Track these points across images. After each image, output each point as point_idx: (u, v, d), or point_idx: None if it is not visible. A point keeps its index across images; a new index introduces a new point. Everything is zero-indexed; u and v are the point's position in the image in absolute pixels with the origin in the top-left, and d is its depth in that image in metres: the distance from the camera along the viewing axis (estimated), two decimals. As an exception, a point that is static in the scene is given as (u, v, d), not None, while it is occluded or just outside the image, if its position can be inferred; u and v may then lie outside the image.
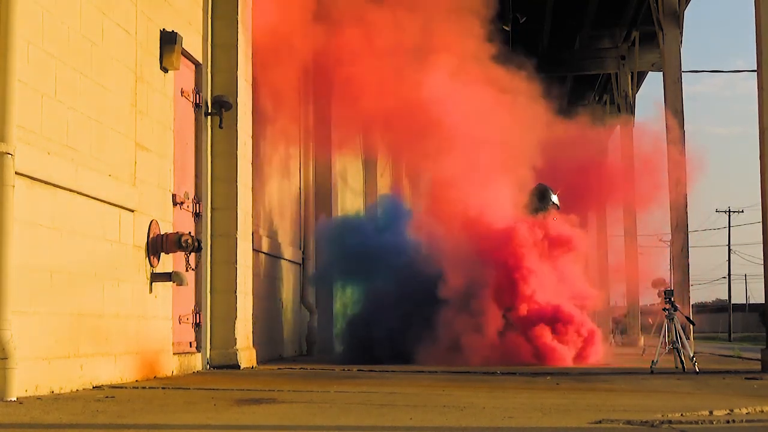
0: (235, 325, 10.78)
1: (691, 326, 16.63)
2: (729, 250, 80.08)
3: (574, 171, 20.57)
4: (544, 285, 14.05)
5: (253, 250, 11.69)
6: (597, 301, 15.62)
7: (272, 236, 14.55)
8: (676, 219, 18.74)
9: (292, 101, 14.95)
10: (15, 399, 6.44)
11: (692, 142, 20.96)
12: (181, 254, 9.76)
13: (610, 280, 29.90)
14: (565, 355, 13.43)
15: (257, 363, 11.45)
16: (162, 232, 9.29)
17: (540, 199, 15.71)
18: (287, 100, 14.47)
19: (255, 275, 11.80)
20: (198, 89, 10.75)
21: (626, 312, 27.31)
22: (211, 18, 11.02)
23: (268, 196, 14.47)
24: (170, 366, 9.49)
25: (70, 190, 7.45)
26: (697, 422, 5.86)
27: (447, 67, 14.20)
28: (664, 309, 11.96)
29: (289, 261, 15.63)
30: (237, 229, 10.91)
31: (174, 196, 9.84)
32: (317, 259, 16.88)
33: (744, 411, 6.44)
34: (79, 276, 7.63)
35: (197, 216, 10.64)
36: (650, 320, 22.29)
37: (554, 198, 16.10)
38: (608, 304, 29.50)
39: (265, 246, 13.81)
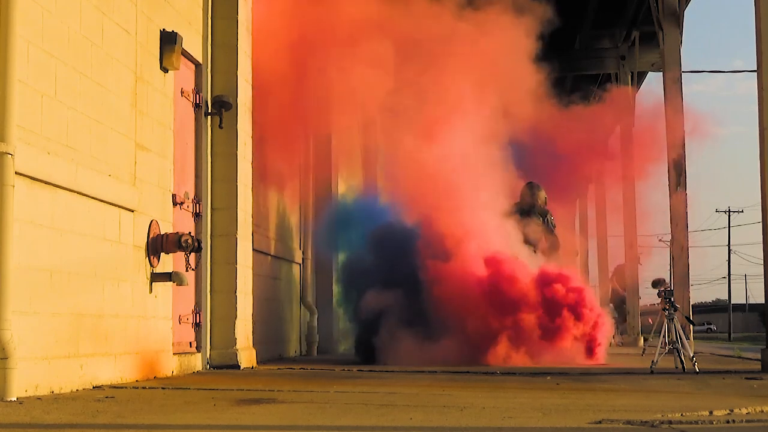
0: (235, 325, 10.79)
1: (691, 326, 16.63)
2: (729, 250, 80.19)
3: (573, 147, 20.56)
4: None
5: (253, 250, 11.70)
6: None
7: (272, 236, 14.54)
8: (676, 218, 18.74)
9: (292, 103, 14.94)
10: (15, 399, 6.44)
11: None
12: (181, 254, 9.76)
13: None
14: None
15: (257, 363, 11.45)
16: (162, 232, 9.29)
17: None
18: (288, 102, 14.45)
19: (255, 275, 11.80)
20: (198, 89, 10.75)
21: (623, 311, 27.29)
22: (211, 18, 11.02)
23: (268, 196, 14.46)
24: (170, 366, 9.49)
25: (70, 190, 7.45)
26: (697, 422, 5.86)
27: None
28: (663, 309, 11.95)
29: (289, 261, 15.63)
30: (237, 229, 10.92)
31: (174, 196, 9.84)
32: (317, 256, 16.87)
33: (744, 411, 6.43)
34: (79, 276, 7.63)
35: (197, 216, 10.64)
36: (650, 320, 22.28)
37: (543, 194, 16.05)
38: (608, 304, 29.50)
39: (265, 246, 13.81)
